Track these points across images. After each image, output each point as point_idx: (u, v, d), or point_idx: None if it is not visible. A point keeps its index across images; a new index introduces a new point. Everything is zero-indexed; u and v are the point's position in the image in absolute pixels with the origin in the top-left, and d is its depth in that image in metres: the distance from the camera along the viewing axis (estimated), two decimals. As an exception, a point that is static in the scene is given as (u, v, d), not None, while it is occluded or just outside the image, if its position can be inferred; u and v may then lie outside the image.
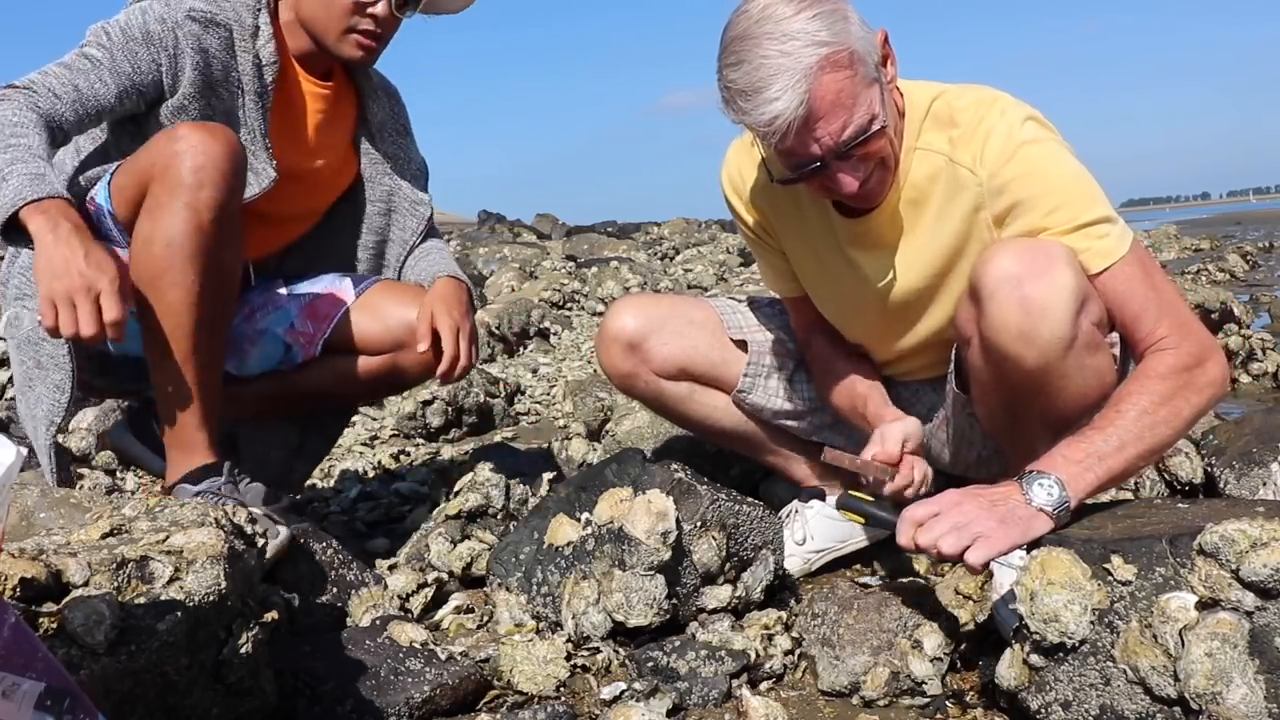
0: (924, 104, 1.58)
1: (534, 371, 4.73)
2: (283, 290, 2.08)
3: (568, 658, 1.52)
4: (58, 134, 1.67)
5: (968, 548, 1.30)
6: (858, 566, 1.94)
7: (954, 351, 1.65)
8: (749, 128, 1.48)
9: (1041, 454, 1.58)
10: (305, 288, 2.07)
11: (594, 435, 2.92)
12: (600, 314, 7.01)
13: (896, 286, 1.67)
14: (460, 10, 2.00)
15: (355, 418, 3.71)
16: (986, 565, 1.31)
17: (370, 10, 1.82)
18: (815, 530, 1.89)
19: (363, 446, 3.28)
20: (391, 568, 1.93)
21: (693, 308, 1.95)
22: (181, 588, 1.19)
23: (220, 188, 1.60)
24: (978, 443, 1.75)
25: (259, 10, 1.84)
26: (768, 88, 1.40)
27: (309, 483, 2.77)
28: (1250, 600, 1.13)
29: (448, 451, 3.17)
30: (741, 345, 1.92)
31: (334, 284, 2.07)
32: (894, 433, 1.62)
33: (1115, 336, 1.56)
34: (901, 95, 1.59)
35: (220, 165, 1.60)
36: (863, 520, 1.59)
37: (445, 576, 1.86)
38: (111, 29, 1.72)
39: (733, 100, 1.45)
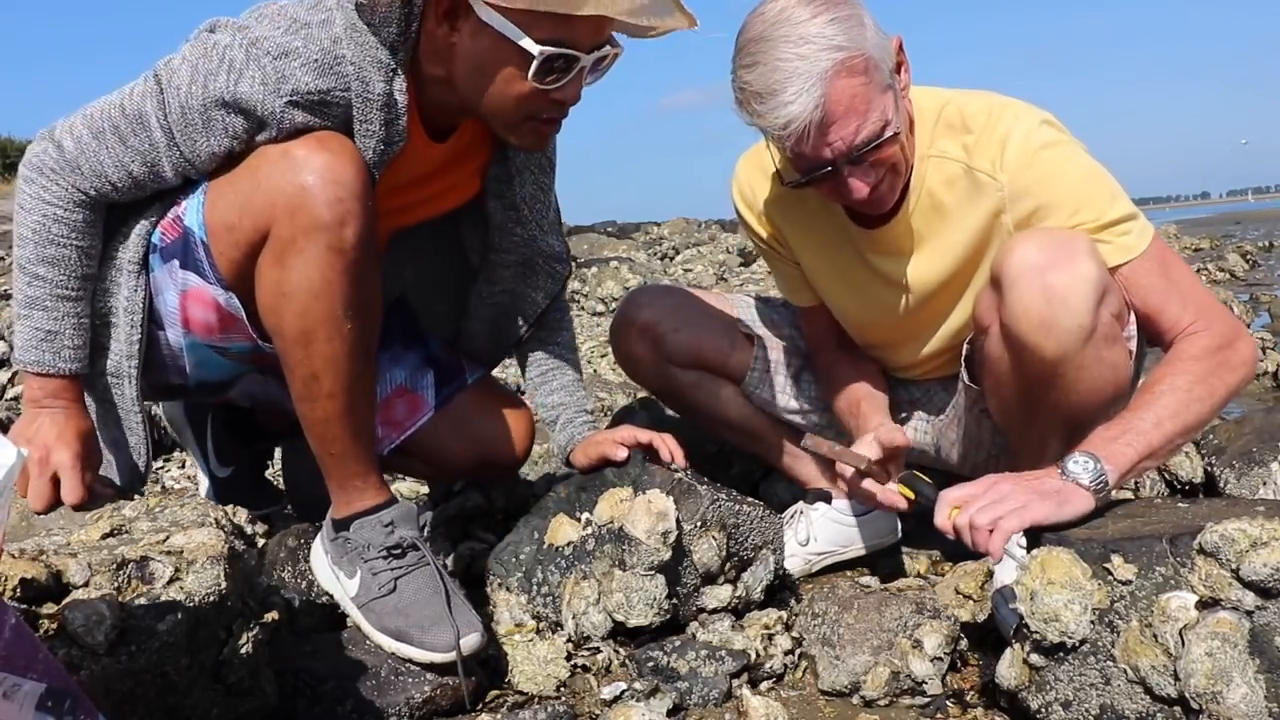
0: (934, 111, 1.59)
1: (534, 371, 4.73)
2: None
3: (568, 658, 1.52)
4: (103, 209, 1.51)
5: (1001, 519, 1.30)
6: (858, 567, 1.94)
7: (966, 344, 1.65)
8: (762, 130, 1.47)
9: (1052, 449, 1.58)
10: (384, 368, 1.80)
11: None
12: (600, 314, 7.02)
13: (919, 292, 1.67)
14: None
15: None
16: (1004, 543, 1.31)
17: (556, 96, 1.44)
18: (819, 532, 1.89)
19: (363, 447, 3.27)
20: (392, 568, 1.92)
21: (707, 298, 1.97)
22: (181, 588, 1.19)
23: (361, 218, 1.36)
24: (987, 442, 1.75)
25: (394, 73, 1.43)
26: (783, 90, 1.39)
27: (309, 483, 2.77)
28: (1250, 599, 1.13)
29: (448, 452, 3.16)
30: (751, 339, 1.93)
31: (415, 379, 1.84)
32: (887, 434, 1.60)
33: (1132, 330, 1.56)
34: (910, 103, 1.58)
35: (356, 192, 1.36)
36: (911, 496, 1.56)
37: (445, 576, 1.86)
38: (172, 99, 1.40)
39: (747, 102, 1.44)
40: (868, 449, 1.57)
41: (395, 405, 1.82)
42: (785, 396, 1.93)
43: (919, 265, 1.65)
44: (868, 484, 1.57)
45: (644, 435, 1.72)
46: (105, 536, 1.30)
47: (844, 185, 1.49)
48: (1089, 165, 1.51)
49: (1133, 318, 1.57)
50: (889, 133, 1.45)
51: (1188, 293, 1.49)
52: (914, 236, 1.63)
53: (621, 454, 1.69)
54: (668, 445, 1.70)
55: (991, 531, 1.29)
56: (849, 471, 1.58)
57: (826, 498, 1.93)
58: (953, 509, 1.37)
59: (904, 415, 1.88)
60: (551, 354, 1.90)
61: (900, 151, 1.51)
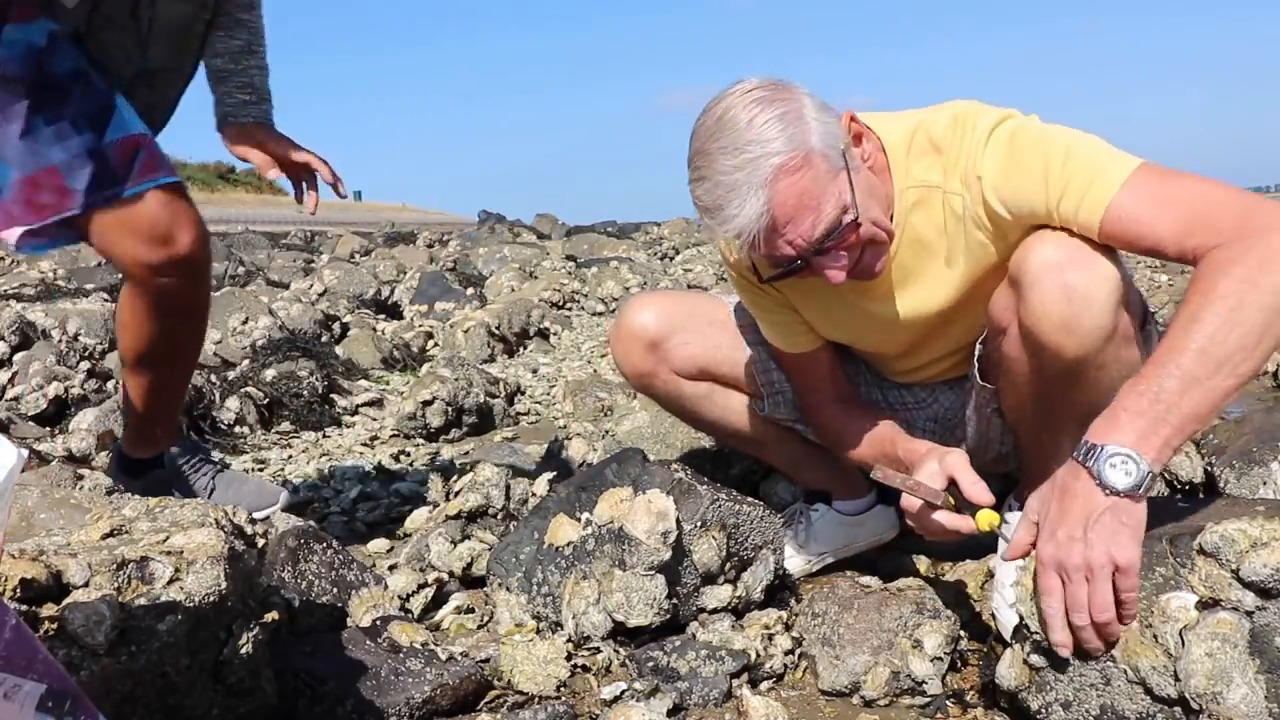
0: (904, 141, 1.54)
1: (534, 371, 4.73)
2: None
3: (568, 658, 1.52)
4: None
5: (1120, 593, 1.18)
6: (858, 566, 1.94)
7: (977, 344, 1.62)
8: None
9: (1065, 448, 1.56)
10: (44, 143, 1.66)
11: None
12: (600, 314, 7.01)
13: (914, 323, 1.64)
14: None
15: (355, 418, 3.72)
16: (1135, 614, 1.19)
17: None
18: (819, 533, 1.89)
19: (363, 447, 3.28)
20: (391, 568, 1.93)
21: (712, 306, 1.92)
22: (181, 588, 1.19)
23: None
24: (996, 440, 1.74)
25: None
26: (728, 204, 1.39)
27: (309, 483, 2.77)
28: (1250, 600, 1.13)
29: (448, 451, 3.17)
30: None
31: (71, 169, 1.67)
32: (960, 463, 1.47)
33: (1150, 328, 1.54)
34: (883, 154, 1.53)
35: None
36: (996, 522, 1.45)
37: (445, 576, 1.86)
38: None
39: (701, 215, 1.45)
40: (931, 479, 1.48)
41: (43, 189, 1.67)
42: (797, 411, 1.89)
43: (912, 302, 1.61)
44: (940, 515, 1.47)
45: (300, 157, 1.97)
46: (105, 536, 1.30)
47: (818, 273, 1.47)
48: (1036, 146, 1.42)
49: (1151, 317, 1.55)
50: (847, 219, 1.42)
51: (1185, 206, 1.30)
52: (903, 272, 1.59)
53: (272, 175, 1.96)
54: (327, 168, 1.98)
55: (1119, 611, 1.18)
56: (916, 505, 1.47)
57: (826, 499, 1.93)
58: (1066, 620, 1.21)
59: (909, 417, 1.87)
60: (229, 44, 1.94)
61: (874, 226, 1.46)
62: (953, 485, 1.47)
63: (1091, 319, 1.38)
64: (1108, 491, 1.19)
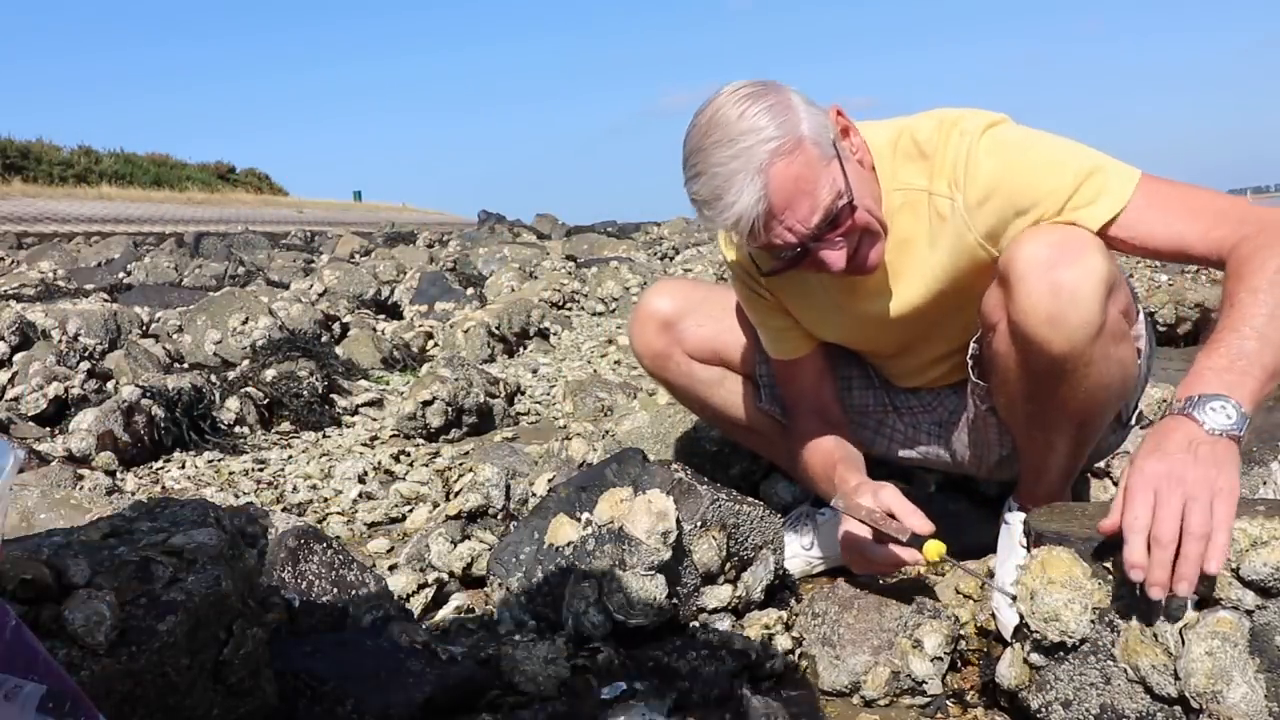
0: (889, 145, 1.57)
1: (534, 371, 4.73)
2: None
3: (568, 658, 1.52)
4: None
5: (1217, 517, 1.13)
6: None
7: (974, 343, 1.63)
8: (725, 232, 1.50)
9: (1060, 449, 1.57)
10: None
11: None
12: (600, 314, 7.01)
13: (900, 322, 1.65)
14: None
15: (355, 418, 3.72)
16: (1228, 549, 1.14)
17: None
18: (824, 538, 1.89)
19: (363, 447, 3.27)
20: (391, 568, 1.93)
21: (728, 294, 1.94)
22: (181, 588, 1.19)
23: None
24: (995, 442, 1.74)
25: None
26: (726, 193, 1.42)
27: (310, 483, 2.77)
28: (1250, 599, 1.13)
29: (448, 451, 3.17)
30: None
31: None
32: (894, 497, 1.55)
33: (1141, 329, 1.54)
34: (869, 154, 1.56)
35: None
36: (942, 551, 1.48)
37: (445, 576, 1.86)
38: None
39: (700, 210, 1.48)
40: (910, 515, 1.53)
41: None
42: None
43: (898, 301, 1.63)
44: (892, 547, 1.52)
45: None
46: (105, 536, 1.30)
47: (817, 262, 1.49)
48: (1036, 149, 1.46)
49: (1141, 315, 1.54)
50: (842, 203, 1.44)
51: (1202, 210, 1.40)
52: (890, 271, 1.61)
53: None
54: None
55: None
56: (855, 541, 1.54)
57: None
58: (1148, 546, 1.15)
59: (914, 421, 1.87)
60: None
61: (869, 214, 1.49)
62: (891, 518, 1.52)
63: (1078, 314, 1.39)
64: (1210, 431, 1.19)
